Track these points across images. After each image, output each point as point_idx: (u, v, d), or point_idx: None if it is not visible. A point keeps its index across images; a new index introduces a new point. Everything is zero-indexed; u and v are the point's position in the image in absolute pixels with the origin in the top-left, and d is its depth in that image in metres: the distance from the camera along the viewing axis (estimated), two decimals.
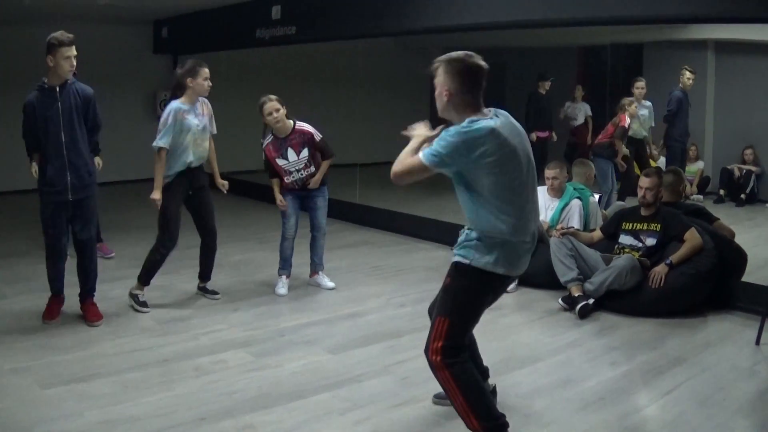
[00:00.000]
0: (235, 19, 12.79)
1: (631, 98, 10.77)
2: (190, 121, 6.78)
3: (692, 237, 6.97)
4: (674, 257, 6.89)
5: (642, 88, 11.03)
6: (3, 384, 5.13)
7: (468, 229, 4.18)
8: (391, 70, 16.85)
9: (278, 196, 7.42)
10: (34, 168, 6.27)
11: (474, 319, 4.31)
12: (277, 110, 7.18)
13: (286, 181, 7.38)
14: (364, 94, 14.11)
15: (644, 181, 7.24)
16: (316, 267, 7.81)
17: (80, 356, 5.69)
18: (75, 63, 6.02)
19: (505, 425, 4.16)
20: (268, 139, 7.36)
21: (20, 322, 6.39)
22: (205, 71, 6.81)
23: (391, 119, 17.56)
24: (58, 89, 6.04)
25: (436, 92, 4.11)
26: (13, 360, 5.55)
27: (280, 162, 7.31)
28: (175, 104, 6.78)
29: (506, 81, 13.76)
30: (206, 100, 7.06)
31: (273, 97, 7.23)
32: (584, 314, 6.82)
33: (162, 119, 6.75)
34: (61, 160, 6.08)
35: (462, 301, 4.20)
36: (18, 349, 5.80)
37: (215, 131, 7.15)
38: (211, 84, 6.84)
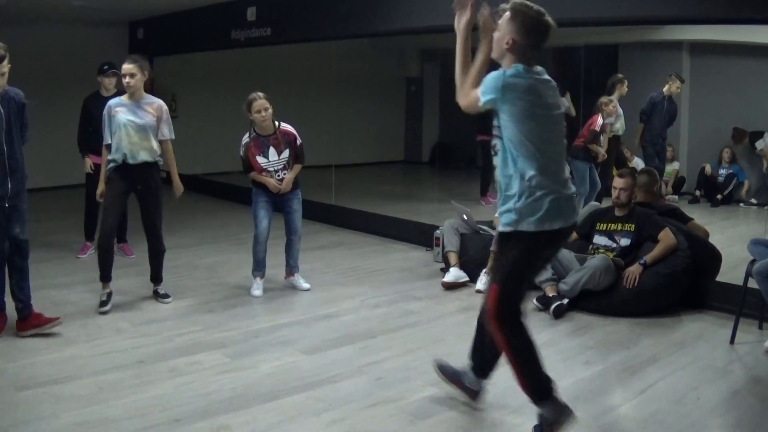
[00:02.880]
0: (210, 21, 12.78)
1: (609, 97, 10.73)
2: (121, 117, 6.82)
3: (666, 237, 7.00)
4: (648, 257, 6.92)
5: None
6: None
7: (504, 194, 4.28)
8: (366, 71, 16.85)
9: (269, 180, 7.34)
10: None
11: (525, 282, 4.47)
12: (266, 109, 7.22)
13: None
14: (339, 96, 14.12)
15: (618, 182, 7.27)
16: (291, 269, 7.80)
17: (55, 358, 5.66)
18: (6, 76, 5.85)
19: (550, 389, 4.35)
20: (248, 137, 7.35)
21: None
22: (123, 67, 6.85)
23: (366, 121, 17.68)
24: None
25: (498, 35, 4.20)
26: None
27: (261, 160, 7.32)
28: (110, 101, 6.99)
29: None
30: (161, 104, 7.08)
31: (262, 94, 7.24)
32: (558, 314, 6.84)
33: None
34: (2, 168, 5.93)
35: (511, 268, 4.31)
36: None
37: (169, 136, 7.12)
38: (129, 83, 6.82)
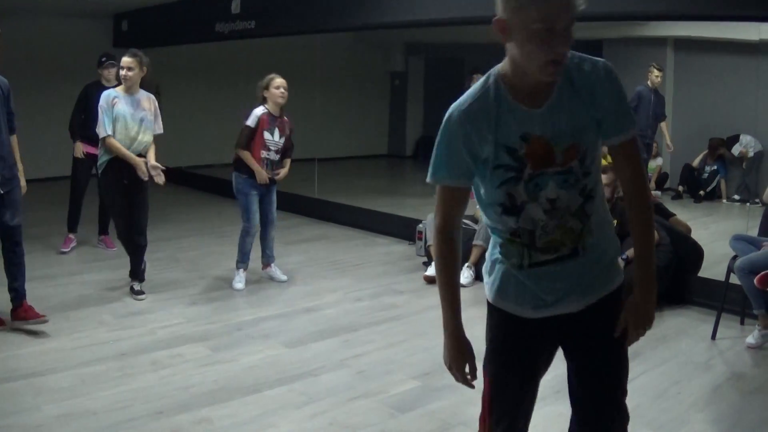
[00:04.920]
0: (194, 13, 12.74)
1: None
2: (121, 109, 6.69)
3: None
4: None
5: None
6: None
7: None
8: (350, 65, 16.85)
9: (261, 172, 7.32)
10: None
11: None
12: (286, 88, 7.35)
13: (260, 155, 7.35)
14: (323, 89, 14.11)
15: (602, 178, 7.26)
16: (268, 259, 7.83)
17: (38, 350, 5.65)
18: None
19: None
20: (263, 110, 7.35)
21: None
22: (122, 60, 6.77)
23: (350, 114, 17.65)
24: None
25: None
26: None
27: (266, 135, 7.35)
28: (107, 91, 6.85)
29: (465, 76, 13.72)
30: (153, 98, 7.00)
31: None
32: None
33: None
34: None
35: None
36: None
37: (160, 130, 7.01)
38: (126, 75, 6.73)
